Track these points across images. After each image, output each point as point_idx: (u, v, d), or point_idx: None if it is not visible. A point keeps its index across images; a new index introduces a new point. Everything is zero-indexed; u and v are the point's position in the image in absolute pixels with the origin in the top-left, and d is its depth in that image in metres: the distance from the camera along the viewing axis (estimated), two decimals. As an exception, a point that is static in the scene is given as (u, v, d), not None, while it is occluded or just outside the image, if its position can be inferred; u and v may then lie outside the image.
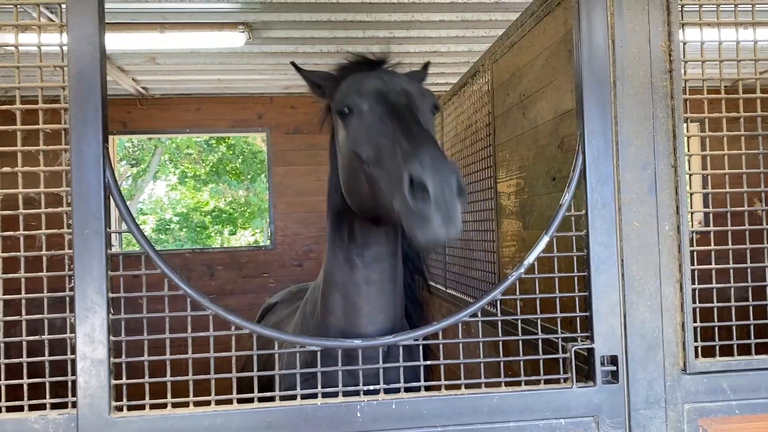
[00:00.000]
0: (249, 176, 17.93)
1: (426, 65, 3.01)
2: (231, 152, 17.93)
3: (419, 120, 2.14)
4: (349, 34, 5.19)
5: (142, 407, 1.99)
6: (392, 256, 2.48)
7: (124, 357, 2.00)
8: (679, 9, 2.21)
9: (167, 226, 18.56)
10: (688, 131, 2.24)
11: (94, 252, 1.97)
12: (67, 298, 1.98)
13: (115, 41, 4.93)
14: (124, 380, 1.99)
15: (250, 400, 2.03)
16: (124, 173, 17.80)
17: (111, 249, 2.01)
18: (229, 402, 2.02)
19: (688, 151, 2.22)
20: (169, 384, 2.02)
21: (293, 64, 2.76)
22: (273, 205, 7.18)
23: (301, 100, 7.19)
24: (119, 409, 1.98)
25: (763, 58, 2.32)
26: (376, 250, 2.44)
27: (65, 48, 1.99)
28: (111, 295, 1.99)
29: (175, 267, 6.44)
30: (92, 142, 1.99)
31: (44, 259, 2.01)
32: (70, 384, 1.97)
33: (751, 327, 2.26)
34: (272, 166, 7.20)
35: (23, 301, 2.00)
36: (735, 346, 2.24)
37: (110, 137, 6.97)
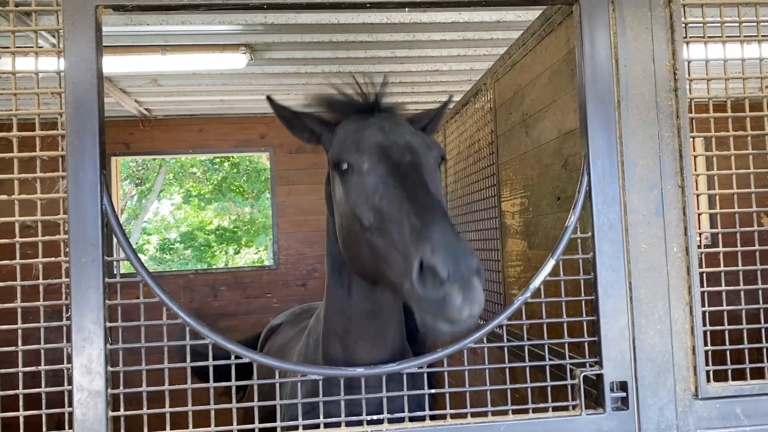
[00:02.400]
0: (253, 194, 17.94)
1: (445, 103, 2.79)
2: (235, 171, 17.97)
3: (426, 183, 1.97)
4: (350, 54, 5.19)
5: (139, 440, 1.94)
6: (393, 309, 2.38)
7: (122, 388, 1.96)
8: (683, 26, 2.19)
9: (171, 246, 18.55)
10: (694, 150, 2.20)
11: (92, 280, 1.93)
12: (64, 328, 1.95)
13: (116, 64, 4.94)
14: (122, 412, 1.95)
15: (252, 431, 1.98)
16: (129, 192, 17.84)
17: (108, 278, 1.97)
18: (230, 433, 1.97)
19: (695, 170, 2.17)
20: (168, 415, 1.97)
21: (269, 98, 2.51)
22: (276, 224, 7.15)
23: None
24: (117, 441, 1.93)
25: (770, 75, 2.28)
26: (375, 306, 2.34)
27: (62, 74, 1.97)
28: (108, 324, 1.95)
29: (178, 288, 6.34)
30: (89, 169, 1.96)
31: (41, 287, 1.98)
32: (66, 416, 1.92)
33: (765, 350, 2.21)
34: (275, 185, 7.18)
35: (20, 331, 1.97)
36: (748, 370, 2.18)
37: (114, 158, 6.98)
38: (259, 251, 18.36)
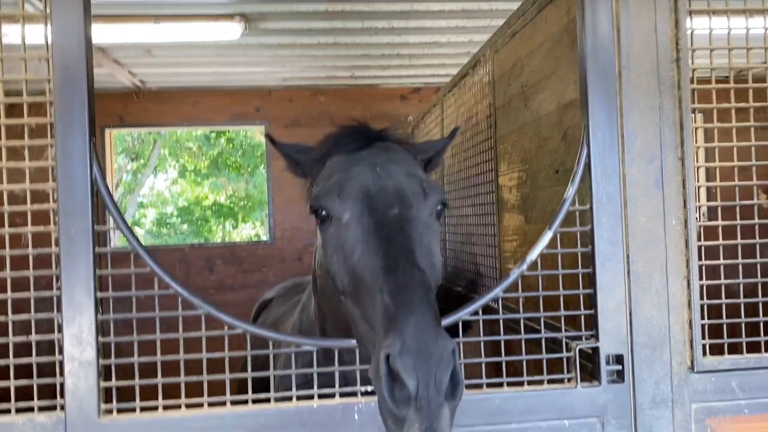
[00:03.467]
0: (248, 169, 17.85)
1: (452, 135, 2.39)
2: (230, 146, 17.84)
3: (413, 250, 1.67)
4: (347, 24, 5.10)
5: (132, 410, 1.93)
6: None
7: (113, 358, 1.94)
8: (687, -5, 2.14)
9: (168, 221, 18.50)
10: (695, 122, 2.17)
11: (81, 250, 1.90)
12: (55, 298, 1.92)
13: (109, 33, 4.85)
14: (113, 382, 1.93)
15: (245, 402, 1.97)
16: (124, 167, 17.73)
17: (100, 247, 1.94)
18: (223, 404, 1.96)
19: (696, 143, 2.14)
20: (160, 386, 1.96)
21: (268, 136, 2.27)
22: (272, 199, 7.11)
23: (299, 92, 7.11)
24: (109, 411, 1.92)
25: (774, 46, 2.23)
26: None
27: (49, 39, 1.91)
28: (99, 294, 1.93)
29: (173, 261, 6.32)
30: (78, 137, 1.92)
31: (30, 257, 1.95)
32: (58, 386, 1.91)
33: (761, 324, 2.19)
34: (271, 160, 7.12)
35: (9, 301, 1.94)
36: (744, 344, 2.17)
37: (108, 131, 6.91)
38: (256, 227, 18.34)
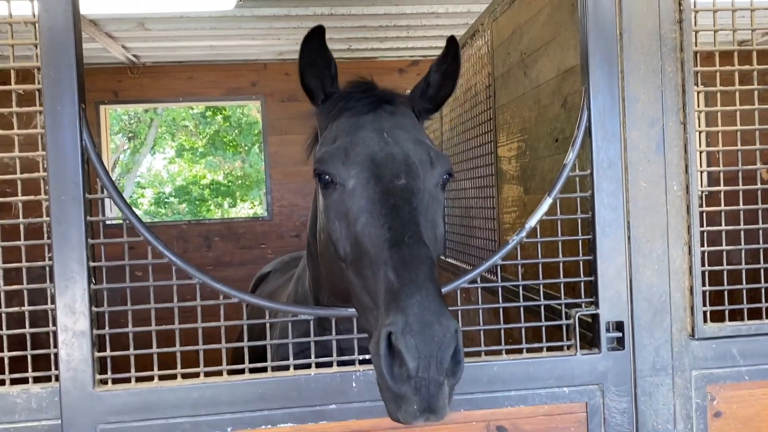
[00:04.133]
0: (246, 148, 17.75)
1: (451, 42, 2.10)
2: (227, 124, 17.72)
3: (417, 223, 1.63)
4: (343, -5, 5.03)
5: (127, 380, 1.91)
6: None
7: (107, 328, 1.92)
8: (690, -45, 2.08)
9: (166, 200, 18.45)
10: (698, 86, 2.12)
11: (73, 219, 1.87)
12: (47, 268, 1.89)
13: (101, 4, 4.76)
14: (108, 352, 1.91)
15: (241, 371, 1.95)
16: (122, 146, 17.63)
17: (92, 216, 1.91)
18: (219, 374, 1.95)
19: (698, 107, 2.10)
20: (155, 356, 1.94)
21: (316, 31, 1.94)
22: (269, 175, 7.06)
23: (295, 66, 7.01)
24: (104, 382, 1.90)
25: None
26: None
27: (35, 2, 1.86)
28: (92, 264, 1.90)
29: (171, 238, 6.29)
30: (67, 103, 1.87)
31: (21, 227, 1.91)
32: (52, 357, 1.89)
33: (762, 290, 2.17)
34: (267, 135, 7.06)
35: (1, 271, 1.91)
36: (745, 311, 2.15)
37: (102, 107, 6.84)
38: (254, 205, 18.29)
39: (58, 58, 1.87)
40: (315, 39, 1.87)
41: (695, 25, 2.09)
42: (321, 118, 2.05)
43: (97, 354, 1.89)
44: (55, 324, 1.87)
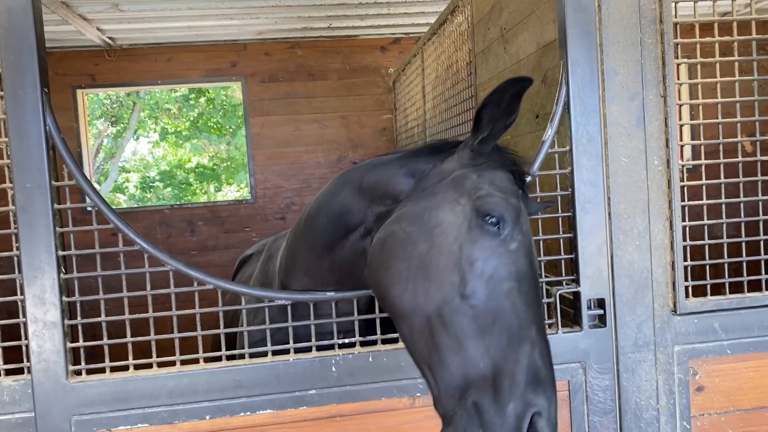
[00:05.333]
0: (230, 130, 17.56)
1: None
2: (211, 106, 17.51)
3: (540, 311, 1.58)
4: (322, -27, 4.92)
5: (102, 370, 1.87)
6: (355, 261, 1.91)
7: (79, 318, 1.87)
8: (669, -77, 2.03)
9: (152, 184, 18.26)
10: (678, 58, 2.08)
11: (39, 207, 1.81)
12: (15, 258, 1.84)
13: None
14: (81, 343, 1.87)
15: (219, 359, 1.92)
16: (104, 131, 17.39)
17: (59, 204, 1.85)
18: (196, 362, 1.91)
19: (678, 79, 2.06)
20: (130, 345, 1.90)
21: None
22: (252, 157, 6.96)
23: (276, 46, 6.89)
24: (77, 373, 1.86)
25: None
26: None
27: (-9, -19, 1.79)
28: (61, 253, 1.85)
29: (154, 224, 6.16)
30: (29, 87, 1.81)
31: (-13, 217, 1.86)
32: (24, 349, 1.84)
33: (744, 264, 2.16)
34: (249, 116, 6.95)
35: (-33, 263, 1.86)
36: (727, 285, 2.14)
37: (80, 91, 6.70)
38: (241, 188, 18.16)
39: (17, 41, 1.80)
40: (519, 86, 1.61)
41: (675, -5, 2.05)
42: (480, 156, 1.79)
43: (69, 345, 1.85)
44: (24, 315, 1.83)
